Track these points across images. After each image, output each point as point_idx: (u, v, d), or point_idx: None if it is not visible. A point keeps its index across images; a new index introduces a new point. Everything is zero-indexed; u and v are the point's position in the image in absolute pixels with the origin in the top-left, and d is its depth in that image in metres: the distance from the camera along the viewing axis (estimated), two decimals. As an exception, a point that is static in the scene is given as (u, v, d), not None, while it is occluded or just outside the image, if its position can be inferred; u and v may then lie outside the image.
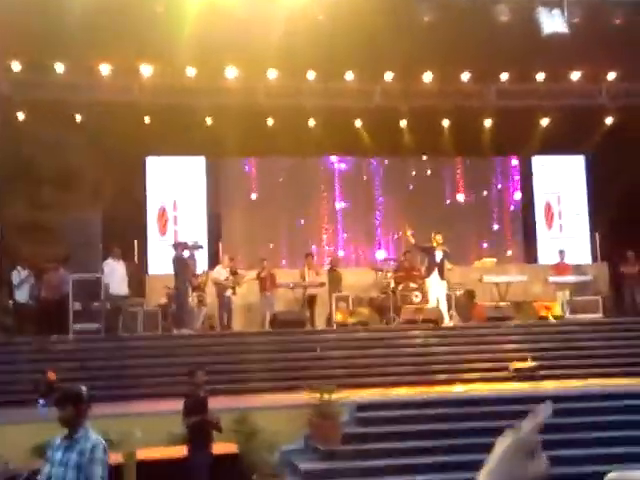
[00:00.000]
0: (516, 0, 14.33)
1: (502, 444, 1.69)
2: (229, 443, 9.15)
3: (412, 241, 15.98)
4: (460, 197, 20.33)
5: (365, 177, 20.15)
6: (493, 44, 15.12)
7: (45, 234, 15.26)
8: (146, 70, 16.40)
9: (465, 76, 17.75)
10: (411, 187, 20.17)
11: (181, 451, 8.29)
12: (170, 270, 15.16)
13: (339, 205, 19.84)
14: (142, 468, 8.27)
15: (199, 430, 7.98)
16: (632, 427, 10.29)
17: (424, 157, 20.18)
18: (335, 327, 15.25)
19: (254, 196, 19.40)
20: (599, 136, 18.94)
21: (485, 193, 20.51)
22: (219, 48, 14.90)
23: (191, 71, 16.60)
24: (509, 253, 19.93)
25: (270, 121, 17.98)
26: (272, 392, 12.07)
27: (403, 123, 18.71)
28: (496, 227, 20.35)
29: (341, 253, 19.35)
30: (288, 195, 19.42)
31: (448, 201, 20.27)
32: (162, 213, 18.58)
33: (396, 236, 18.68)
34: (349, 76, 17.39)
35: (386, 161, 20.19)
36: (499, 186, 20.60)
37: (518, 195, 20.57)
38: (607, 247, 18.66)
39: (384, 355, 13.54)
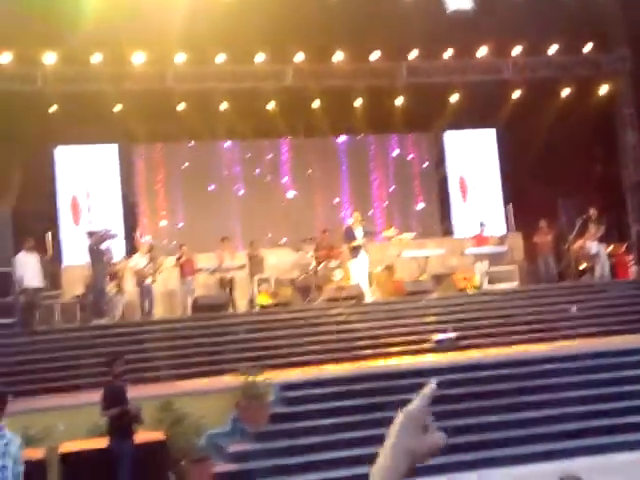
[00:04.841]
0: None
1: (395, 423, 1.70)
2: (155, 431, 9.04)
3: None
4: (377, 175, 20.45)
5: (282, 158, 20.03)
6: (401, 22, 15.23)
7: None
8: (49, 58, 15.94)
9: (375, 55, 17.85)
10: (329, 166, 20.16)
11: (105, 442, 8.16)
12: (86, 260, 14.80)
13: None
14: (66, 461, 8.14)
15: (119, 420, 7.85)
16: (555, 390, 10.60)
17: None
18: (257, 309, 15.21)
19: (169, 181, 19.06)
20: (507, 109, 19.36)
21: (400, 170, 20.65)
22: (124, 33, 14.62)
23: (97, 57, 16.22)
24: (427, 228, 20.11)
25: (181, 106, 17.73)
26: (198, 377, 11.96)
27: (316, 104, 18.70)
28: (413, 202, 20.54)
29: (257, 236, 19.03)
30: (203, 179, 19.18)
31: (366, 178, 20.35)
32: (74, 203, 18.09)
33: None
34: (259, 58, 17.26)
35: (300, 142, 20.10)
36: (413, 162, 20.79)
37: (433, 170, 20.81)
38: (519, 217, 19.09)
39: (308, 334, 13.55)
